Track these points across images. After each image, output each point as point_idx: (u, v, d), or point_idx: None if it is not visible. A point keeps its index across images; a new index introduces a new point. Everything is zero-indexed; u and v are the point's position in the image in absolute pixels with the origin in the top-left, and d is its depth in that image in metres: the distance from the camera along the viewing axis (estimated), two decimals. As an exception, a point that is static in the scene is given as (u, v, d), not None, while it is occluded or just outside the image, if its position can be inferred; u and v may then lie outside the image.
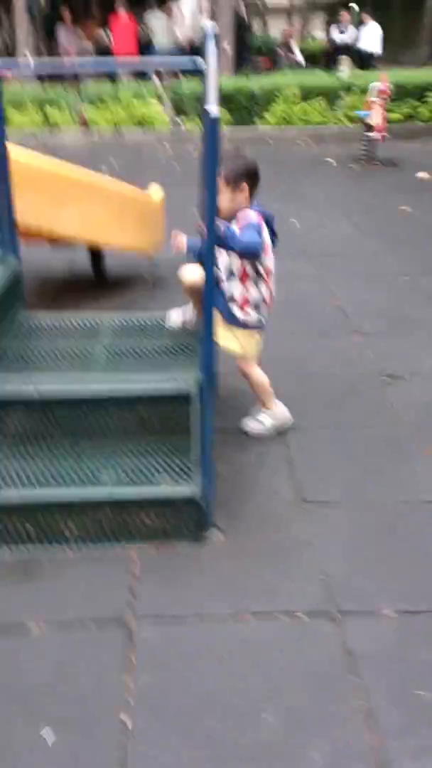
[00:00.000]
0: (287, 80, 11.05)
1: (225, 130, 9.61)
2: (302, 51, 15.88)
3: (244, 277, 2.69)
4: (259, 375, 2.89)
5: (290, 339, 3.83)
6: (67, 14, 13.76)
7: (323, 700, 1.79)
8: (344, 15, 14.72)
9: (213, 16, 11.93)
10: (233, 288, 2.71)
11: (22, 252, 3.27)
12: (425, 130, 10.56)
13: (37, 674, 1.86)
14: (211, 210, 2.18)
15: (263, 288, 2.74)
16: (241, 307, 2.74)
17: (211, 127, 2.10)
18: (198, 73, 2.71)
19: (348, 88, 10.77)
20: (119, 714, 1.75)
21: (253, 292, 2.72)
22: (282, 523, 2.43)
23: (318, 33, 22.85)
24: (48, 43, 14.45)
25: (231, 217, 2.64)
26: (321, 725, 1.73)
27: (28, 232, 3.70)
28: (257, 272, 2.69)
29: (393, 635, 1.99)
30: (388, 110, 8.95)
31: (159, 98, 10.68)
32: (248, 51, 14.53)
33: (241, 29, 13.86)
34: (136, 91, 10.74)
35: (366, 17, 13.84)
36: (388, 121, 8.85)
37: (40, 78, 12.59)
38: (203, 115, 2.13)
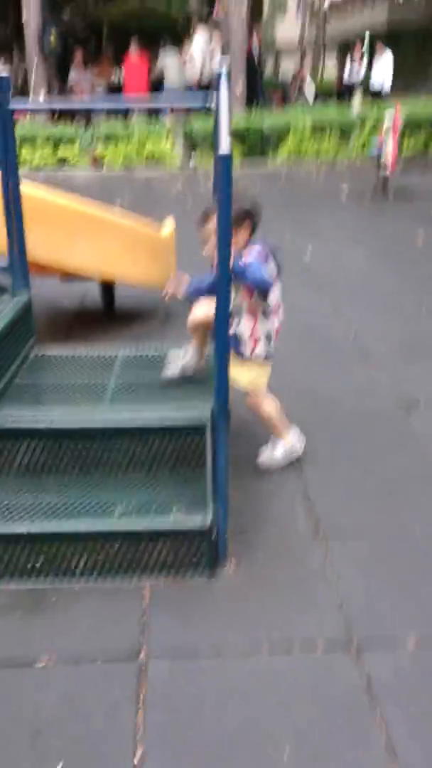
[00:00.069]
0: (299, 116, 11.31)
1: (237, 165, 9.82)
2: (315, 87, 16.25)
3: (252, 312, 2.73)
4: (268, 409, 2.91)
5: (306, 369, 3.87)
6: (79, 53, 14.22)
7: (343, 735, 1.78)
8: (357, 49, 15.10)
9: (225, 53, 12.28)
10: (242, 323, 2.76)
11: (34, 285, 3.35)
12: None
13: (47, 709, 1.86)
14: (224, 245, 2.23)
15: (272, 320, 2.78)
16: (252, 342, 2.78)
17: (224, 165, 2.16)
18: (209, 110, 2.80)
19: (361, 123, 11.00)
20: (131, 752, 1.74)
21: (261, 326, 2.76)
22: (298, 555, 2.43)
23: (330, 69, 23.43)
24: (60, 81, 14.90)
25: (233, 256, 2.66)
26: (341, 761, 1.71)
27: (40, 265, 3.79)
28: (265, 305, 2.73)
29: (413, 668, 1.97)
30: (401, 141, 9.11)
31: (170, 135, 10.94)
32: (260, 88, 14.90)
33: (253, 67, 14.23)
34: (147, 128, 11.02)
35: (380, 48, 14.08)
36: (400, 152, 9.01)
37: (53, 115, 12.97)
38: (216, 152, 2.18)
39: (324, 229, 7.21)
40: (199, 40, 12.67)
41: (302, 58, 22.78)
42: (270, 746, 1.75)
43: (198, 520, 2.33)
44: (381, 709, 1.85)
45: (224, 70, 2.68)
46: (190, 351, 2.95)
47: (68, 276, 4.44)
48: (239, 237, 2.62)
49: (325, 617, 2.15)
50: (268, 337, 2.79)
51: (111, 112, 12.59)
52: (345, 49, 18.36)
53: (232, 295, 2.73)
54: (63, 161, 10.52)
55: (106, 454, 2.62)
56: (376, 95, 13.76)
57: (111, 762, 1.72)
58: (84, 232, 4.14)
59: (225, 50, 12.50)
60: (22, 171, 3.23)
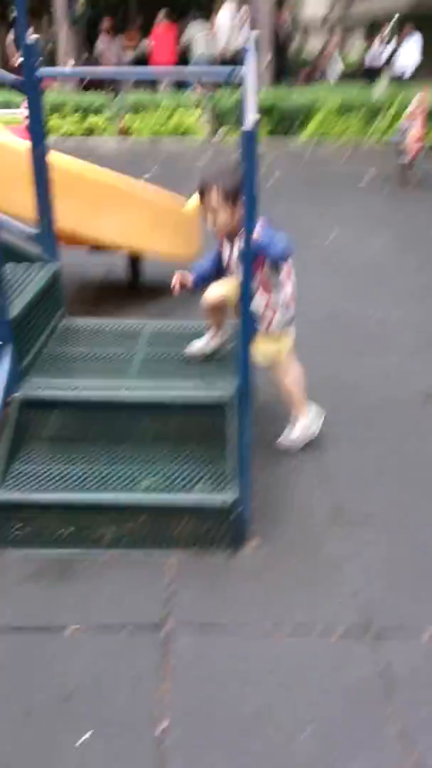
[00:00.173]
0: (326, 94, 11.08)
1: (262, 141, 9.66)
2: (342, 64, 15.93)
3: (264, 285, 2.67)
4: (292, 381, 2.85)
5: (327, 355, 3.82)
6: (107, 22, 13.97)
7: (359, 721, 1.77)
8: (383, 30, 14.74)
9: (253, 28, 12.02)
10: (256, 298, 2.70)
11: (62, 255, 3.31)
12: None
13: (74, 678, 1.87)
14: (250, 221, 2.18)
15: (285, 287, 2.72)
16: (270, 314, 2.72)
17: (248, 139, 2.11)
18: (237, 84, 2.72)
19: (388, 106, 10.74)
20: (155, 722, 1.74)
21: (275, 296, 2.70)
22: (318, 538, 2.41)
23: (357, 48, 22.91)
24: (89, 51, 14.67)
25: (233, 233, 2.61)
26: (357, 747, 1.71)
27: (67, 236, 3.75)
28: (277, 275, 2.68)
29: (430, 656, 1.96)
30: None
31: (198, 108, 10.77)
32: (288, 64, 14.61)
33: (282, 42, 13.94)
34: (175, 100, 10.84)
35: (409, 29, 13.73)
36: (427, 139, 8.80)
37: (81, 84, 12.79)
38: (242, 126, 2.13)
39: (346, 213, 7.09)
40: (226, 14, 12.40)
41: (330, 35, 22.27)
42: (287, 726, 1.75)
43: (222, 497, 2.32)
44: (397, 697, 1.84)
45: (252, 45, 2.60)
46: (208, 337, 2.91)
47: (95, 247, 4.40)
48: (239, 213, 2.56)
49: (343, 602, 2.14)
50: (285, 306, 2.74)
51: (139, 83, 12.40)
52: (372, 29, 17.90)
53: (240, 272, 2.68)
54: (91, 130, 10.38)
55: (133, 426, 2.61)
56: (400, 79, 13.45)
57: (135, 732, 1.72)
58: (111, 204, 4.09)
59: (253, 25, 12.23)
60: (50, 139, 3.16)
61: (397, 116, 9.93)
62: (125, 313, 4.10)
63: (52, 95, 10.38)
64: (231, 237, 2.64)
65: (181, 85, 12.21)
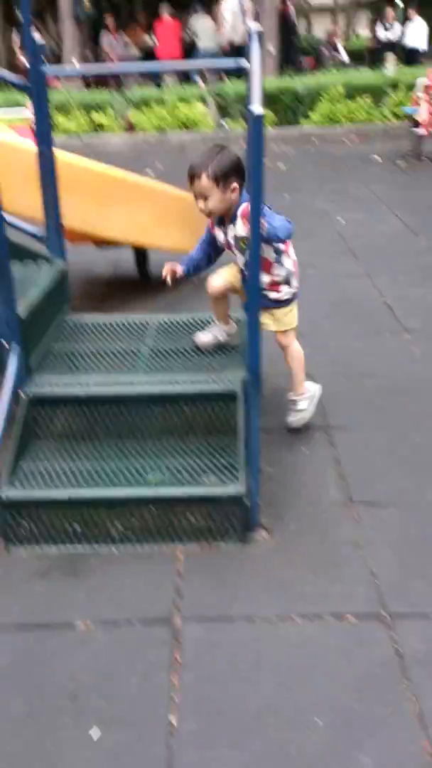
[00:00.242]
0: (332, 79, 10.93)
1: (269, 130, 9.57)
2: (347, 49, 15.74)
3: (266, 264, 2.63)
4: (298, 348, 2.83)
5: (338, 338, 3.77)
6: (111, 20, 13.92)
7: (374, 704, 1.74)
8: (389, 12, 14.54)
9: (257, 17, 11.90)
10: (261, 277, 2.66)
11: (68, 252, 3.29)
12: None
13: (85, 671, 1.86)
14: (256, 207, 2.15)
15: (287, 262, 2.69)
16: (273, 291, 2.70)
17: (255, 125, 2.08)
18: (242, 73, 2.68)
19: (394, 85, 10.60)
20: (166, 715, 1.73)
21: (278, 272, 2.67)
22: (330, 524, 2.38)
23: (363, 31, 22.62)
24: (93, 48, 14.64)
25: (226, 215, 2.58)
26: (372, 729, 1.68)
27: (74, 233, 3.73)
28: (276, 251, 2.65)
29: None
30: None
31: (203, 100, 10.69)
32: (294, 51, 14.46)
33: (287, 29, 13.80)
34: (180, 93, 10.78)
35: (412, 13, 13.64)
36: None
37: (86, 83, 12.75)
38: (247, 114, 2.10)
39: (357, 195, 7.00)
40: (229, 4, 12.27)
41: (334, 14, 22.06)
42: (301, 714, 1.72)
43: (231, 487, 2.29)
44: (412, 679, 1.81)
45: (257, 32, 2.56)
46: (215, 330, 2.88)
47: (103, 243, 4.38)
48: (229, 195, 2.53)
49: (356, 587, 2.10)
50: (287, 281, 2.70)
51: (144, 77, 12.34)
52: (378, 8, 17.65)
53: (240, 256, 2.65)
54: (97, 127, 10.35)
55: (141, 420, 2.59)
56: (410, 56, 13.27)
57: (146, 725, 1.71)
58: (117, 199, 4.06)
59: (258, 14, 12.11)
60: (56, 138, 3.15)
61: (408, 93, 9.76)
62: (132, 308, 4.08)
63: (56, 94, 10.37)
64: (223, 220, 2.61)
65: (186, 78, 12.13)
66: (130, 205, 4.13)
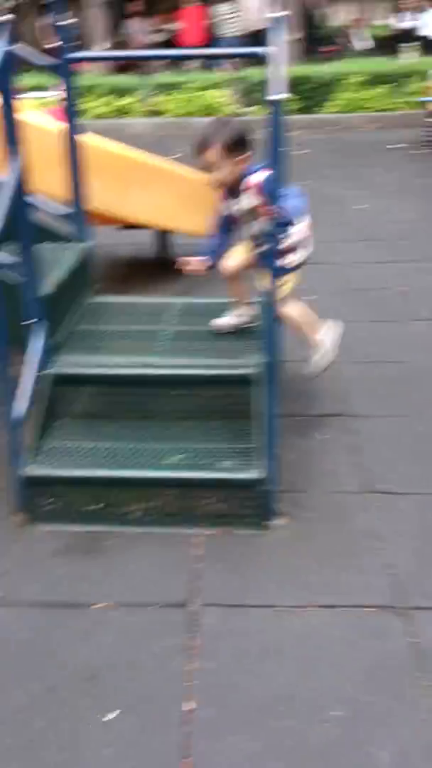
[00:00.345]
0: (351, 67, 10.65)
1: (290, 115, 9.34)
2: (368, 38, 15.33)
3: None
4: (293, 312, 2.69)
5: (357, 325, 3.64)
6: (136, 6, 13.62)
7: (391, 697, 1.67)
8: (408, 1, 14.08)
9: (280, 4, 11.58)
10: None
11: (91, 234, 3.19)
12: None
13: (101, 655, 1.79)
14: (275, 190, 2.06)
15: (297, 229, 2.56)
16: (282, 259, 2.58)
17: (275, 110, 1.98)
18: (265, 61, 2.56)
19: (412, 74, 10.30)
20: (182, 700, 1.66)
21: (288, 240, 2.56)
22: (348, 513, 2.29)
23: (383, 20, 22.02)
24: (119, 33, 14.36)
25: (235, 186, 2.47)
26: (388, 722, 1.61)
27: (98, 215, 3.63)
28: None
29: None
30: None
31: (227, 86, 10.47)
32: (317, 39, 14.09)
33: (310, 17, 13.45)
34: (204, 79, 10.56)
35: (428, 3, 13.16)
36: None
37: (114, 67, 12.52)
38: (268, 100, 2.00)
39: (374, 182, 6.81)
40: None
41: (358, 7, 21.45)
42: (316, 703, 1.65)
43: (250, 472, 2.21)
44: (429, 673, 1.72)
45: (280, 18, 2.43)
46: (235, 313, 2.77)
47: (126, 225, 4.28)
48: (239, 166, 2.41)
49: (373, 578, 2.02)
50: (295, 249, 2.59)
51: (168, 63, 12.09)
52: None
53: (254, 223, 2.54)
54: (122, 111, 10.17)
55: (160, 402, 2.51)
56: (429, 46, 12.87)
57: (161, 709, 1.65)
58: (140, 182, 3.97)
59: (282, 1, 11.78)
60: (82, 120, 3.04)
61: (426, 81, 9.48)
62: (153, 291, 3.97)
63: (84, 77, 10.18)
64: (233, 190, 2.50)
65: (209, 63, 11.86)
66: (153, 188, 4.03)
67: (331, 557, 2.10)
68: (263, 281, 2.51)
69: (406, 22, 13.74)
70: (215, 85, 10.44)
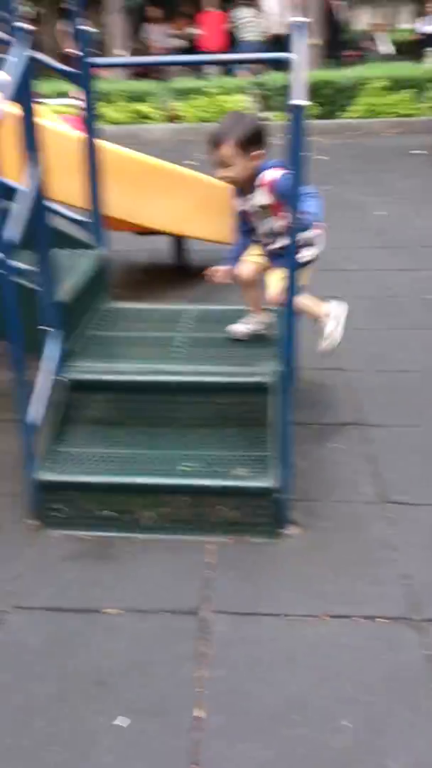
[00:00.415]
0: (374, 72, 10.69)
1: (310, 120, 9.38)
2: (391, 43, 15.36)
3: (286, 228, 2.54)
4: (302, 303, 2.69)
5: (374, 332, 3.67)
6: (155, 12, 13.78)
7: (404, 708, 1.68)
8: (430, 5, 14.10)
9: (302, 10, 11.65)
10: (282, 241, 2.58)
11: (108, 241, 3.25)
12: None
13: (111, 661, 1.82)
14: (295, 196, 2.09)
15: (307, 233, 2.58)
16: (298, 251, 2.61)
17: (296, 115, 2.01)
18: (286, 66, 2.60)
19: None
20: (192, 707, 1.68)
21: (301, 236, 2.58)
22: (363, 523, 2.30)
23: (407, 24, 22.03)
24: (138, 39, 14.52)
25: (249, 183, 2.50)
26: (401, 734, 1.62)
27: (115, 221, 3.69)
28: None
29: None
30: None
31: (246, 92, 10.55)
32: (339, 44, 14.16)
33: (332, 22, 13.52)
34: (223, 85, 10.65)
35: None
36: None
37: (133, 73, 12.67)
38: (289, 106, 2.03)
39: (396, 188, 6.82)
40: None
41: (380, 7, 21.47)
42: (328, 713, 1.67)
43: (264, 480, 2.24)
44: (443, 684, 1.74)
45: (302, 23, 2.47)
46: (251, 320, 2.80)
47: (142, 232, 4.34)
48: (253, 163, 2.45)
49: (388, 589, 2.03)
50: (308, 245, 2.61)
51: (189, 67, 12.21)
52: (421, 2, 17.14)
53: (265, 226, 2.57)
54: (140, 117, 10.29)
55: (175, 409, 2.55)
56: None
57: (171, 716, 1.67)
58: (157, 188, 4.02)
59: (303, 6, 11.86)
60: (100, 127, 3.10)
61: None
62: (169, 297, 4.02)
63: (102, 83, 10.32)
64: (246, 188, 2.53)
65: (228, 69, 11.96)
66: (170, 194, 4.08)
67: (345, 567, 2.11)
68: (272, 290, 2.54)
69: (430, 26, 13.76)
70: (235, 90, 10.52)
